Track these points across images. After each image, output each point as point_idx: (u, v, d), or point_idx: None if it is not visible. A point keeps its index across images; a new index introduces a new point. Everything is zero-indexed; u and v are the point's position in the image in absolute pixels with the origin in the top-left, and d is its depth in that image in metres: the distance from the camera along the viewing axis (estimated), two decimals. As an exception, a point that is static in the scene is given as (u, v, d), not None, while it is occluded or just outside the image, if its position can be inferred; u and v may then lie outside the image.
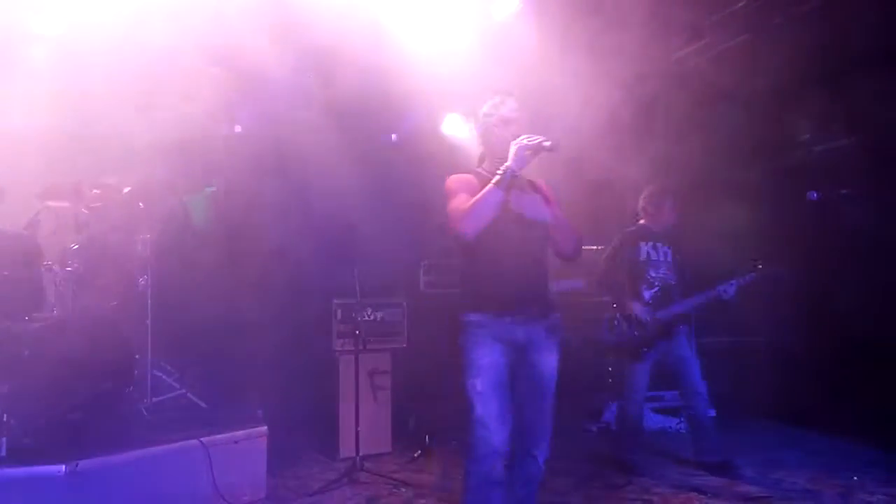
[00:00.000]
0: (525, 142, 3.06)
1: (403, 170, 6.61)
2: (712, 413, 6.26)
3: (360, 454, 5.07)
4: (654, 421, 6.50)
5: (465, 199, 3.08)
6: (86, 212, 4.52)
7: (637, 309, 4.99)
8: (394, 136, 6.80)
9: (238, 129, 6.17)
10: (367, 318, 5.52)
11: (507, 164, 3.04)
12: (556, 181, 6.59)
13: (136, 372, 4.45)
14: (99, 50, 5.13)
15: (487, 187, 3.04)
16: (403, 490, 4.74)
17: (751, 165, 6.41)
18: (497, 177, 3.04)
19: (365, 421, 5.24)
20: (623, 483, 4.89)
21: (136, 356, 4.47)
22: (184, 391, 4.83)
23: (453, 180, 3.23)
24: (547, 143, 3.06)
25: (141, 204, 4.78)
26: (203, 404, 4.79)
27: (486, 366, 3.09)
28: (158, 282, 4.87)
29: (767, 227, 6.82)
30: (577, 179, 6.32)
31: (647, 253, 5.19)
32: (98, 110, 5.21)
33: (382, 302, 5.69)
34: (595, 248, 6.57)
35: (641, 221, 5.33)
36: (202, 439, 4.07)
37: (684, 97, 5.78)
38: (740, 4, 4.94)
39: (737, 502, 4.48)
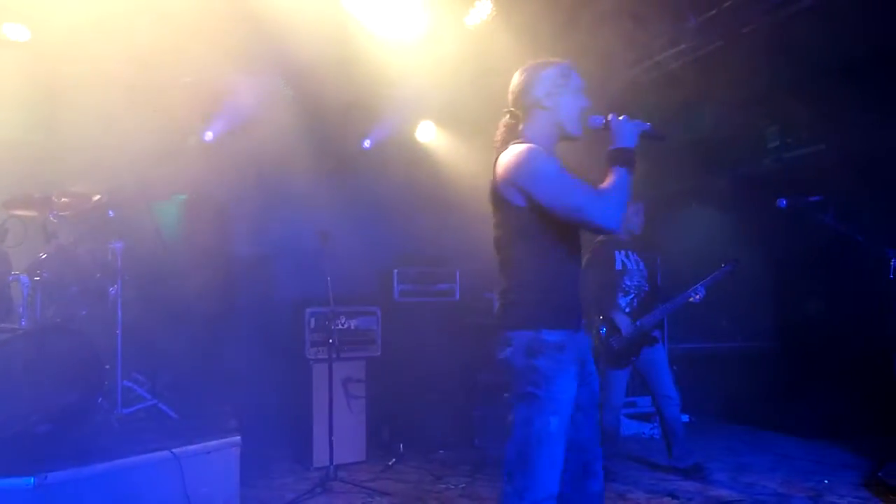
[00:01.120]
0: (633, 123, 2.63)
1: (377, 177, 6.60)
2: (685, 418, 6.32)
3: (334, 463, 5.04)
4: (627, 427, 6.54)
5: (580, 183, 2.55)
6: (54, 221, 4.44)
7: (620, 320, 5.02)
8: (367, 143, 6.78)
9: (209, 137, 6.11)
10: (340, 326, 5.49)
11: (622, 145, 2.61)
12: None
13: (105, 382, 4.36)
14: (67, 57, 5.08)
15: (620, 171, 2.57)
16: (378, 499, 4.72)
17: (722, 172, 6.51)
18: (618, 159, 2.59)
19: (339, 430, 5.21)
20: (596, 489, 4.90)
21: (107, 366, 4.39)
22: (155, 402, 4.77)
23: (546, 158, 2.59)
24: (654, 129, 2.68)
25: (111, 212, 4.72)
26: (175, 415, 4.73)
27: (565, 401, 2.57)
28: (129, 291, 4.81)
29: (738, 233, 6.92)
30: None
31: (622, 262, 5.23)
32: (67, 118, 5.14)
33: (356, 310, 5.67)
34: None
35: None
36: (174, 450, 3.99)
37: (656, 103, 5.83)
38: (713, 12, 4.99)
39: (710, 506, 4.53)
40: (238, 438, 4.42)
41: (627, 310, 5.14)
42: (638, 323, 5.06)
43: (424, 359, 5.96)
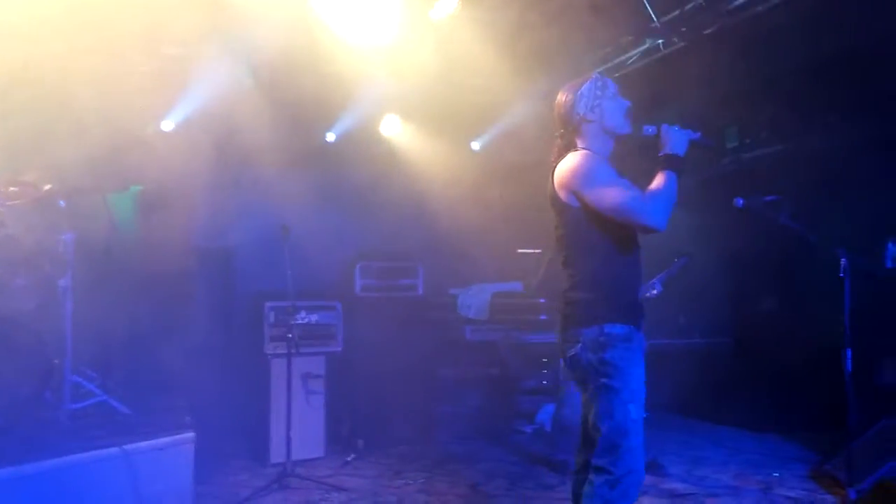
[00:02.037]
0: (683, 132, 2.81)
1: (340, 170, 6.54)
2: (644, 415, 6.39)
3: (292, 459, 4.98)
4: (583, 422, 6.58)
5: (629, 185, 2.70)
6: (2, 210, 4.31)
7: None
8: (331, 136, 6.71)
9: (168, 126, 5.99)
10: (300, 320, 5.43)
11: (671, 152, 2.76)
12: (498, 185, 6.70)
13: (54, 377, 4.26)
14: (18, 42, 4.92)
15: (668, 174, 2.72)
16: (335, 495, 4.69)
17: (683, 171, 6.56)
18: (667, 163, 2.74)
19: (297, 425, 5.15)
20: (556, 483, 4.94)
21: (55, 361, 4.29)
22: (105, 397, 4.66)
23: (598, 163, 2.77)
24: (702, 138, 2.86)
25: (62, 202, 4.58)
26: (126, 410, 4.63)
27: (639, 390, 2.73)
28: (80, 284, 4.68)
29: (697, 231, 7.00)
30: (517, 182, 6.39)
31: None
32: (17, 104, 4.99)
33: (317, 304, 5.62)
34: (534, 251, 6.66)
35: None
36: (124, 447, 3.90)
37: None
38: (676, 13, 5.04)
39: (664, 499, 4.58)
40: (192, 434, 4.34)
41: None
42: None
43: (386, 354, 5.92)
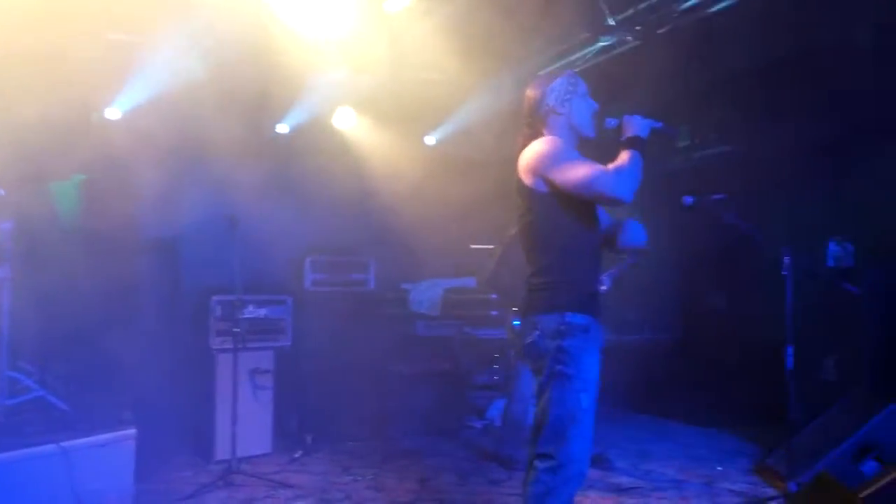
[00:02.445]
0: (644, 120, 2.85)
1: (291, 163, 6.44)
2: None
3: (238, 456, 4.90)
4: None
5: (594, 163, 2.71)
6: (-65, 198, 4.14)
7: None
8: (282, 128, 6.60)
9: (114, 114, 5.82)
10: (248, 315, 5.34)
11: (634, 134, 2.79)
12: (451, 180, 6.67)
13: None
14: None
15: (631, 152, 2.73)
16: (282, 492, 4.63)
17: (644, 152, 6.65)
18: (629, 144, 2.76)
19: (244, 421, 5.07)
20: (504, 478, 4.96)
21: (-9, 355, 4.14)
22: (43, 393, 4.51)
23: (561, 144, 2.80)
24: (665, 127, 2.90)
25: (1, 191, 4.43)
26: (64, 406, 4.49)
27: (593, 380, 2.76)
28: (18, 275, 4.52)
29: (648, 228, 7.09)
30: (471, 178, 6.38)
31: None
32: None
33: (265, 299, 5.53)
34: (487, 247, 6.67)
35: None
36: (62, 444, 3.81)
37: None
38: (629, 12, 5.07)
39: (609, 493, 4.63)
40: (133, 431, 4.26)
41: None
42: None
43: (336, 349, 5.87)
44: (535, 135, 2.94)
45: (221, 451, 5.14)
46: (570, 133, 2.92)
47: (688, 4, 4.75)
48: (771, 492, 4.59)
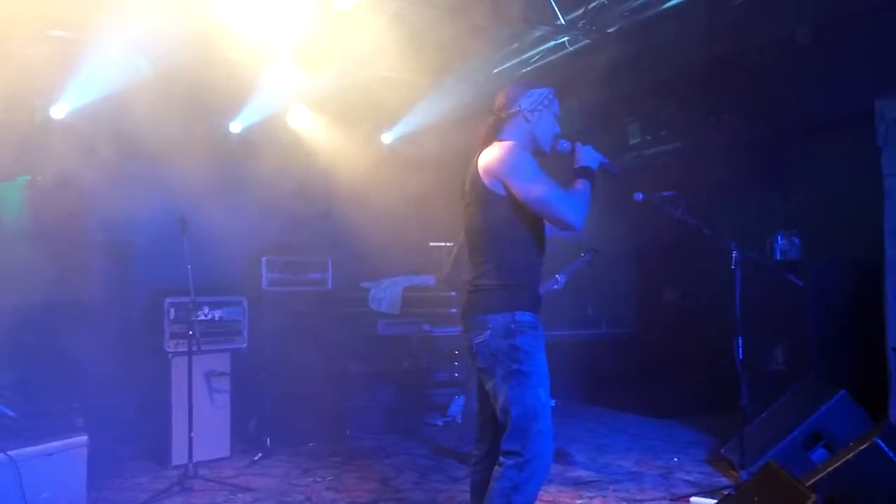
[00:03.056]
0: (595, 153, 3.00)
1: (245, 162, 6.37)
2: (552, 403, 6.52)
3: (195, 460, 4.84)
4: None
5: (554, 183, 2.82)
6: None
7: None
8: (235, 127, 6.52)
9: (60, 113, 5.69)
10: (203, 317, 5.27)
11: (586, 165, 2.94)
12: (409, 178, 6.66)
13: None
14: None
15: (584, 182, 2.90)
16: (241, 495, 4.59)
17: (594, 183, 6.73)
18: (582, 174, 2.92)
19: (201, 425, 5.01)
20: (464, 475, 4.97)
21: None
22: (-10, 401, 4.41)
23: (527, 156, 2.88)
24: (610, 164, 3.06)
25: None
26: (11, 414, 4.38)
27: (546, 375, 2.84)
28: (-38, 280, 4.41)
29: (603, 225, 7.19)
30: (429, 175, 6.39)
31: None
32: None
33: (221, 300, 5.46)
34: (446, 244, 6.68)
35: None
36: (10, 452, 3.71)
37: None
38: (579, 11, 5.13)
39: (568, 487, 4.69)
40: (85, 438, 4.18)
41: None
42: None
43: (295, 350, 5.83)
44: (496, 131, 3.01)
45: (178, 455, 5.07)
46: (529, 142, 2.99)
47: (636, 3, 4.83)
48: (725, 481, 4.70)
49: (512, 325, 2.81)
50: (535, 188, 2.78)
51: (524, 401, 2.76)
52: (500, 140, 2.96)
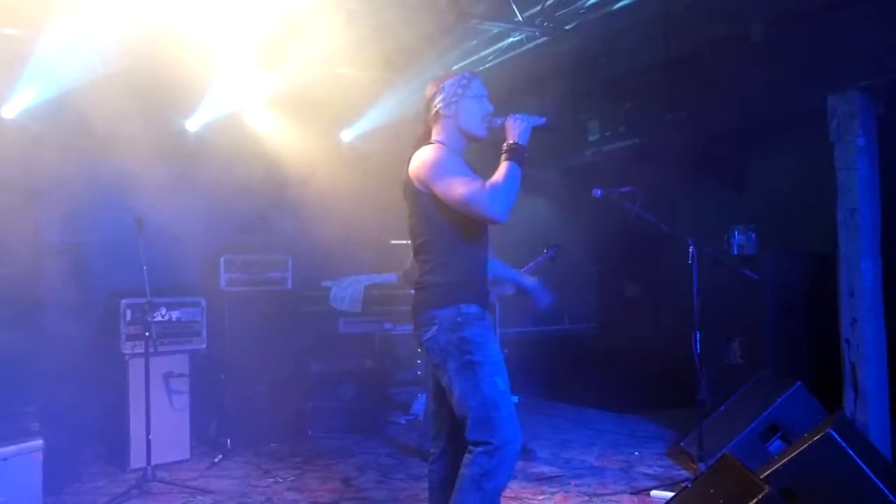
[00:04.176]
0: (526, 120, 2.86)
1: (202, 160, 6.28)
2: (515, 399, 6.54)
3: (153, 463, 4.77)
4: (457, 409, 6.68)
5: (474, 178, 2.77)
6: None
7: None
8: (191, 125, 6.41)
9: (9, 113, 5.55)
10: (160, 318, 5.19)
11: (514, 141, 2.82)
12: (368, 175, 6.64)
13: None
14: None
15: (509, 165, 2.77)
16: (200, 498, 4.53)
17: (548, 162, 6.77)
18: (509, 154, 2.79)
19: (159, 427, 4.93)
20: (426, 473, 4.97)
21: None
22: (-60, 406, 4.30)
23: (447, 156, 2.85)
24: (548, 122, 2.93)
25: None
26: (-36, 419, 4.29)
27: (501, 363, 2.84)
28: None
29: (564, 221, 7.26)
30: (389, 173, 6.36)
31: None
32: None
33: (178, 301, 5.38)
34: (406, 242, 6.66)
35: None
36: (-40, 459, 3.63)
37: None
38: (536, 9, 5.15)
39: (531, 482, 4.71)
40: (40, 442, 4.11)
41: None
42: None
43: (255, 350, 5.77)
44: (426, 136, 3.02)
45: (136, 458, 4.99)
46: (459, 135, 2.97)
47: (592, 1, 4.86)
48: (684, 474, 4.76)
49: (458, 318, 2.82)
50: (453, 189, 2.76)
51: (481, 390, 2.76)
52: (429, 141, 2.97)
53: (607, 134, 6.05)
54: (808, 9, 4.60)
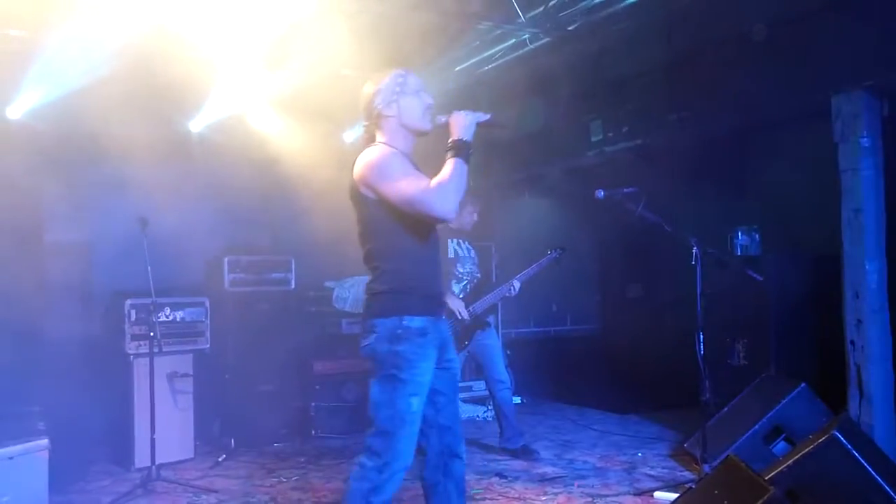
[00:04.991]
0: (471, 116, 2.84)
1: (207, 161, 6.29)
2: (518, 400, 6.56)
3: (158, 462, 4.78)
4: (462, 410, 6.66)
5: (419, 177, 2.75)
6: None
7: (454, 304, 5.11)
8: (196, 126, 6.42)
9: (15, 113, 5.57)
10: (164, 318, 5.20)
11: (458, 137, 2.80)
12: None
13: None
14: None
15: (455, 161, 2.75)
16: (205, 497, 4.55)
17: (552, 163, 6.78)
18: (454, 150, 2.78)
19: (164, 427, 4.95)
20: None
21: None
22: (-54, 406, 4.32)
23: (391, 157, 2.81)
24: (494, 118, 2.89)
25: None
26: (-31, 419, 4.30)
27: (425, 384, 2.81)
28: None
29: (567, 221, 7.26)
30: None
31: (455, 250, 5.35)
32: None
33: (182, 301, 5.40)
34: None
35: None
36: (-33, 458, 3.65)
37: (490, 97, 5.98)
38: (539, 9, 5.15)
39: (534, 483, 4.71)
40: (46, 441, 4.12)
41: (461, 296, 5.25)
42: (471, 308, 5.17)
43: (258, 350, 5.79)
44: (371, 138, 2.98)
45: (141, 458, 5.01)
46: (404, 133, 2.94)
47: (596, 1, 4.86)
48: (688, 475, 4.75)
49: (399, 331, 2.79)
50: (399, 189, 2.74)
51: (395, 406, 2.77)
52: (373, 144, 2.93)
53: (610, 134, 6.04)
54: (812, 8, 4.58)
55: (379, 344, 2.80)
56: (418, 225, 2.84)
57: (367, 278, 6.81)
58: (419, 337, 2.81)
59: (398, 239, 2.84)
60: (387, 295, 2.83)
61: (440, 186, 2.70)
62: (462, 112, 2.86)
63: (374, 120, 2.94)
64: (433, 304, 2.91)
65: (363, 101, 2.96)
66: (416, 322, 2.80)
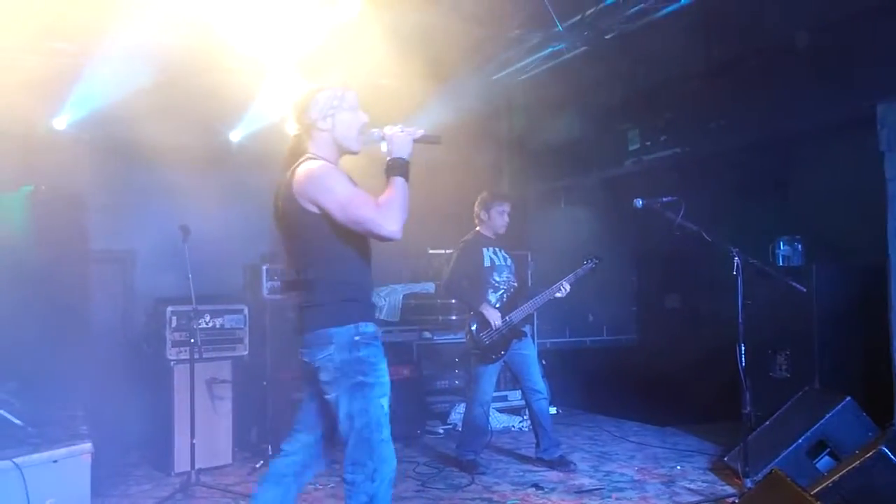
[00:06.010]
0: (407, 132, 2.85)
1: (245, 170, 6.38)
2: (554, 411, 6.51)
3: (198, 467, 4.83)
4: (498, 420, 6.66)
5: (364, 194, 2.77)
6: None
7: (490, 314, 5.10)
8: (235, 135, 6.53)
9: (61, 124, 5.72)
10: (205, 325, 5.27)
11: (398, 156, 2.82)
12: (410, 185, 6.67)
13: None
14: None
15: (397, 181, 2.79)
16: (243, 503, 4.58)
17: (588, 172, 6.75)
18: (395, 169, 2.80)
19: (203, 433, 5.01)
20: (466, 483, 4.97)
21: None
22: (-6, 409, 4.40)
23: (335, 174, 2.83)
24: (429, 135, 2.91)
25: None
26: (18, 421, 4.38)
27: (388, 384, 2.87)
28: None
29: (604, 231, 7.21)
30: (429, 183, 6.39)
31: (490, 259, 5.33)
32: None
33: (222, 308, 5.46)
34: (446, 251, 6.69)
35: (478, 229, 5.43)
36: (15, 460, 3.71)
37: (526, 105, 5.98)
38: (577, 18, 5.14)
39: (571, 495, 4.67)
40: (89, 445, 4.17)
41: (497, 305, 5.23)
42: (507, 318, 5.16)
43: (294, 358, 5.78)
44: (301, 147, 2.96)
45: (180, 463, 5.06)
46: (334, 148, 2.95)
47: (633, 10, 4.84)
48: (729, 490, 4.66)
49: (357, 337, 2.83)
50: (346, 207, 2.74)
51: (368, 412, 2.79)
52: (307, 156, 2.91)
53: (648, 143, 6.00)
54: (855, 14, 4.51)
55: (339, 353, 2.80)
56: (359, 236, 2.87)
57: (401, 287, 6.85)
58: (375, 340, 2.88)
59: (342, 250, 2.86)
60: (338, 305, 2.85)
61: (388, 207, 2.74)
62: (397, 127, 2.88)
63: (307, 130, 2.95)
64: (373, 310, 3.02)
65: (297, 109, 2.96)
66: (370, 327, 2.88)
